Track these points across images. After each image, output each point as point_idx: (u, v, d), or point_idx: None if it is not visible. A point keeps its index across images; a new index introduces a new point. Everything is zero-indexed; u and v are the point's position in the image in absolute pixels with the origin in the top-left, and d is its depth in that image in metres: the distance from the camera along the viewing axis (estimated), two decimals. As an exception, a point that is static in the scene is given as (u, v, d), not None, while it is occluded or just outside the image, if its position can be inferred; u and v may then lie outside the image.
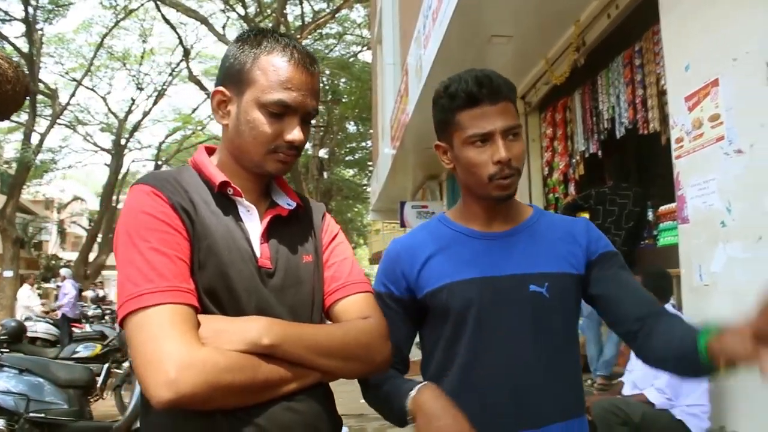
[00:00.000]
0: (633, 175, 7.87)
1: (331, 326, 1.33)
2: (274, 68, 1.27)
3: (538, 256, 1.51)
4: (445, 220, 1.63)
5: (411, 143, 10.61)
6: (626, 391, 3.79)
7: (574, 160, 6.98)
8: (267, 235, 1.32)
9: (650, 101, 5.31)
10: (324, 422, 1.29)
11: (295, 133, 1.29)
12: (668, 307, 3.81)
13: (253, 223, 1.32)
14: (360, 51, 29.43)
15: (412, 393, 1.37)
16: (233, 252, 1.24)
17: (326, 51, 27.65)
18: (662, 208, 4.97)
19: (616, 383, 3.91)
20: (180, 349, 1.07)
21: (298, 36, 23.79)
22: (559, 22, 5.74)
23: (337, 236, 1.48)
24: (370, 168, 30.92)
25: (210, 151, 1.40)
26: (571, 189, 7.07)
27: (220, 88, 1.32)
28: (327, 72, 25.82)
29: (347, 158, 31.47)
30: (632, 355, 4.06)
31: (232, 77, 1.31)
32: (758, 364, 1.00)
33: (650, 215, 6.16)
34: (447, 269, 1.52)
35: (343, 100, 26.43)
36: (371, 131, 27.51)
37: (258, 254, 1.28)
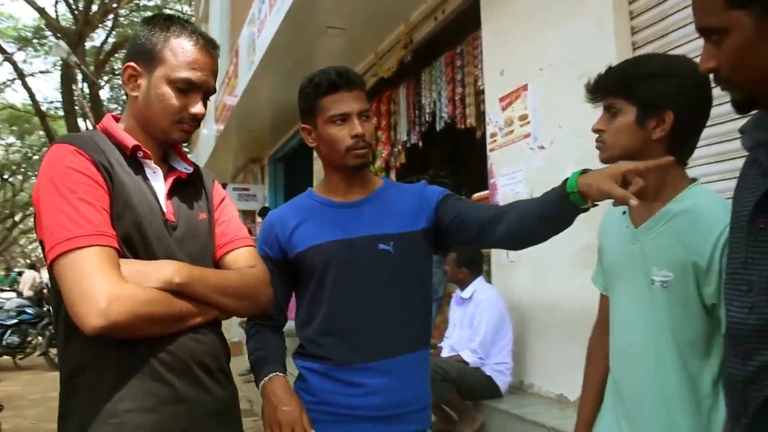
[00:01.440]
0: (450, 164, 8.58)
1: (227, 271, 1.56)
2: (182, 50, 1.47)
3: (386, 220, 1.81)
4: (311, 194, 1.91)
5: (236, 125, 10.62)
6: (444, 353, 4.29)
7: (396, 149, 7.47)
8: (170, 193, 1.52)
9: (468, 99, 5.87)
10: (221, 351, 1.53)
11: (198, 107, 1.50)
12: (480, 279, 4.36)
13: (158, 183, 1.51)
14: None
15: (265, 379, 1.68)
16: (145, 206, 1.43)
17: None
18: (475, 195, 5.52)
19: (436, 349, 4.40)
20: (109, 284, 1.25)
21: (115, 5, 22.49)
22: (390, 20, 6.18)
23: (225, 199, 1.71)
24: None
25: (115, 120, 1.57)
26: (392, 176, 7.57)
27: (131, 63, 1.49)
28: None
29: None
30: (450, 323, 4.58)
31: (144, 55, 1.48)
32: (615, 197, 1.28)
33: (464, 201, 6.80)
34: (311, 234, 1.80)
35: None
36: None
37: (165, 210, 1.48)
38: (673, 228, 1.39)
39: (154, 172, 1.51)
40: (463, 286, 4.38)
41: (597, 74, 1.54)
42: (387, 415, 1.70)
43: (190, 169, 1.59)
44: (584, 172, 1.40)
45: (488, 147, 4.72)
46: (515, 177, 4.43)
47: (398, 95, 7.33)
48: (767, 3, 0.95)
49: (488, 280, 4.59)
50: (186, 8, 27.34)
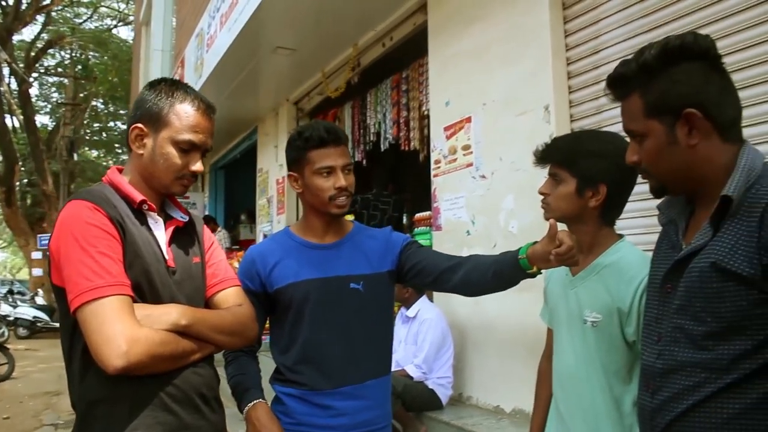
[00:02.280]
0: (393, 184, 8.87)
1: (220, 311, 1.76)
2: (186, 114, 1.67)
3: (358, 261, 2.06)
4: (289, 234, 2.13)
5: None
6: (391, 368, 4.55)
7: (340, 167, 7.68)
8: (170, 241, 1.72)
9: (412, 122, 6.17)
10: (215, 381, 1.73)
11: (198, 165, 1.71)
12: (423, 299, 4.64)
13: (160, 232, 1.70)
14: (115, 26, 27.89)
15: (249, 405, 1.88)
16: (151, 255, 1.62)
17: (77, 20, 25.74)
18: (417, 215, 5.79)
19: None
20: (129, 329, 1.44)
21: (47, 1, 21.88)
22: (339, 43, 6.43)
23: (214, 243, 1.91)
24: (118, 150, 29.31)
25: (118, 171, 1.76)
26: (336, 192, 7.78)
27: (139, 124, 1.68)
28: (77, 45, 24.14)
29: (94, 138, 29.43)
30: (395, 340, 4.82)
31: (151, 117, 1.67)
32: (556, 260, 1.54)
33: (405, 220, 7.08)
34: (291, 272, 2.02)
35: (96, 75, 24.84)
36: (124, 113, 26.21)
37: (167, 257, 1.67)
38: (602, 278, 1.69)
39: (156, 222, 1.70)
40: (407, 305, 4.64)
41: (544, 143, 1.82)
42: None
43: (186, 218, 1.79)
44: (535, 243, 1.67)
45: (432, 173, 5.00)
46: (457, 203, 4.73)
47: (343, 114, 7.56)
48: (677, 116, 1.24)
49: (430, 298, 4.86)
50: (123, 6, 26.87)
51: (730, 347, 1.15)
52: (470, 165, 4.57)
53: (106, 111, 28.66)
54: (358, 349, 1.99)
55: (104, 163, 29.48)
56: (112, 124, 29.35)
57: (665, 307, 1.29)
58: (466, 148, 4.63)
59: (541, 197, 1.80)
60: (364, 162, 7.17)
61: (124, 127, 27.52)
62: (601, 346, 1.66)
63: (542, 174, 3.65)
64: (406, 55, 6.03)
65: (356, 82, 6.81)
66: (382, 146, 6.77)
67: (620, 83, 1.33)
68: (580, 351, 1.70)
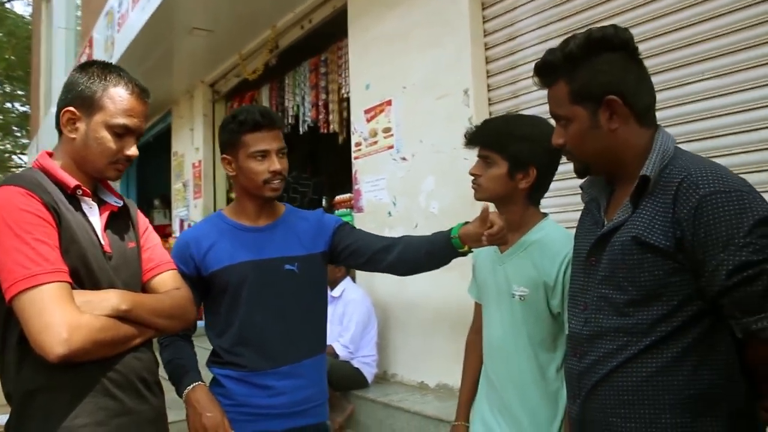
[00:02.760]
0: (313, 166, 8.86)
1: (159, 295, 1.75)
2: (120, 98, 1.64)
3: (292, 243, 2.09)
4: (222, 217, 2.13)
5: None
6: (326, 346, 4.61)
7: (258, 149, 7.60)
8: (105, 226, 1.69)
9: (331, 105, 6.18)
10: (155, 365, 1.73)
11: (132, 150, 1.69)
12: (348, 279, 4.70)
13: (95, 217, 1.67)
14: (8, 0, 26.32)
15: (189, 388, 1.88)
16: (87, 241, 1.59)
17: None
18: (337, 197, 5.83)
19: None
20: (69, 316, 1.42)
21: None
22: (257, 24, 6.34)
23: (148, 228, 1.89)
24: (17, 133, 27.79)
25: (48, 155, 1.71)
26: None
27: (71, 108, 1.63)
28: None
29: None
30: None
31: (84, 101, 1.63)
32: (488, 241, 1.66)
33: (324, 203, 7.11)
34: (226, 255, 2.03)
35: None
36: (23, 93, 24.85)
37: (102, 242, 1.65)
38: (529, 255, 1.80)
39: (91, 208, 1.67)
40: (333, 285, 4.69)
41: (475, 126, 1.90)
42: (292, 412, 1.99)
43: (120, 203, 1.76)
44: (466, 223, 1.76)
45: (353, 155, 5.05)
46: (378, 184, 4.81)
47: (261, 96, 7.46)
48: (599, 102, 1.35)
49: (354, 279, 4.93)
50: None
51: (648, 313, 1.27)
52: (391, 147, 4.65)
53: (2, 91, 27.03)
54: (294, 329, 2.03)
55: (1, 147, 27.86)
56: (9, 105, 27.71)
57: (590, 278, 1.40)
58: (387, 130, 4.70)
59: (472, 178, 1.89)
60: (283, 145, 7.10)
61: (23, 108, 26.12)
62: (528, 319, 1.77)
63: (462, 156, 3.83)
64: (325, 38, 6.01)
65: (274, 65, 6.74)
66: (300, 129, 6.75)
67: (547, 71, 1.42)
68: (509, 323, 1.81)
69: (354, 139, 5.07)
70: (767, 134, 2.65)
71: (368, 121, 4.91)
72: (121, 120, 1.63)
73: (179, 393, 1.92)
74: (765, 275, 1.15)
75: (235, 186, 2.12)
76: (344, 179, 5.37)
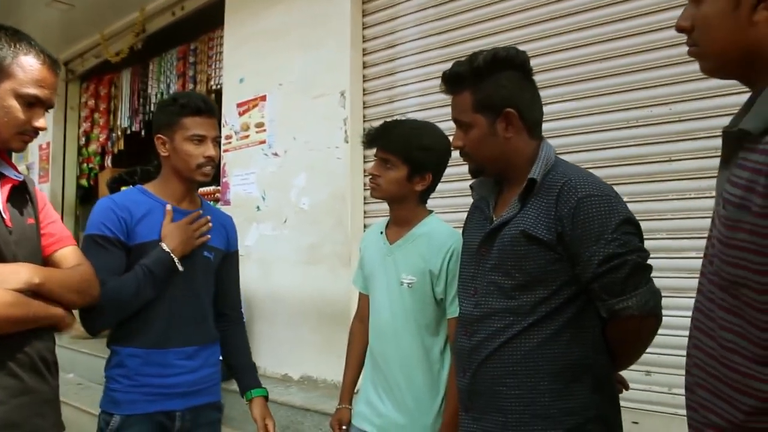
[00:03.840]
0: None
1: (67, 270, 1.71)
2: (31, 67, 1.59)
3: (211, 233, 2.13)
4: (146, 192, 2.09)
5: None
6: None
7: (114, 135, 7.32)
8: (6, 200, 1.64)
9: (200, 96, 6.07)
10: (54, 345, 1.69)
11: (41, 121, 1.64)
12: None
13: None
14: None
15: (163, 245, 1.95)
16: None
17: None
18: (201, 189, 5.72)
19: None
20: None
21: None
22: (124, 5, 6.11)
23: (47, 204, 1.84)
24: None
25: None
26: (108, 162, 7.40)
27: None
28: None
29: None
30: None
31: None
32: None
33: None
34: (153, 229, 2.02)
35: None
36: None
37: (4, 216, 1.59)
38: (416, 246, 1.97)
39: None
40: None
41: (373, 127, 2.04)
42: (191, 391, 2.05)
43: (21, 177, 1.71)
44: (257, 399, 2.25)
45: (222, 148, 5.01)
46: (248, 179, 4.83)
47: (121, 80, 7.18)
48: (498, 113, 1.53)
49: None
50: None
51: (532, 295, 1.47)
52: (263, 142, 4.69)
53: None
54: (199, 313, 2.10)
55: None
56: None
57: (480, 267, 1.59)
58: (260, 125, 4.74)
59: (369, 177, 2.03)
60: (143, 133, 6.87)
61: None
62: (415, 305, 1.94)
63: (335, 155, 3.99)
64: (197, 27, 5.91)
65: (139, 49, 6.52)
66: (163, 117, 6.54)
67: (454, 81, 1.59)
68: (398, 309, 1.96)
69: (224, 132, 5.03)
70: (615, 153, 3.03)
71: (241, 114, 4.92)
72: (32, 90, 1.58)
73: (161, 254, 1.97)
74: (627, 265, 1.40)
75: (164, 167, 2.12)
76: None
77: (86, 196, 7.82)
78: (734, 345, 0.94)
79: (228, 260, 2.24)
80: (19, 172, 1.74)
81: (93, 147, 7.58)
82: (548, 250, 1.46)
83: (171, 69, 6.47)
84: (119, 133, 7.21)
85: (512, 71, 1.54)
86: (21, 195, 1.72)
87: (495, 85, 1.53)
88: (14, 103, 1.58)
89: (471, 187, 1.76)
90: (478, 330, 1.55)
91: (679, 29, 1.11)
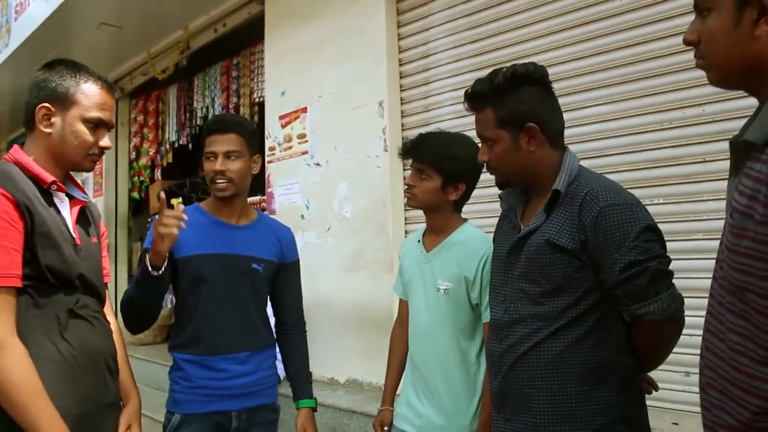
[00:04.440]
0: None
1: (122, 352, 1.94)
2: (93, 93, 1.76)
3: (260, 246, 2.27)
4: (200, 210, 2.27)
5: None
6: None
7: (163, 149, 7.58)
8: (75, 221, 1.79)
9: (243, 109, 6.24)
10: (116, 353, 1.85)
11: (106, 141, 1.80)
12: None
13: (66, 211, 1.76)
14: None
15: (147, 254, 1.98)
16: (61, 236, 1.68)
17: None
18: (250, 199, 5.91)
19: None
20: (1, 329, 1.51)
21: None
22: (169, 24, 6.33)
23: (105, 233, 2.01)
24: None
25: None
26: (158, 174, 7.65)
27: (46, 104, 1.72)
28: None
29: None
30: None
31: (58, 97, 1.73)
32: None
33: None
34: (196, 243, 2.16)
35: None
36: None
37: (74, 236, 1.75)
38: (452, 253, 2.06)
39: (62, 202, 1.77)
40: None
41: (409, 140, 2.14)
42: (246, 393, 2.21)
43: (87, 198, 1.88)
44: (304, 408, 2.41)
45: (267, 159, 5.17)
46: (292, 188, 4.97)
47: (168, 96, 7.42)
48: (520, 128, 1.61)
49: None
50: None
51: (558, 302, 1.55)
52: (305, 153, 4.82)
53: None
54: (254, 323, 2.25)
55: None
56: None
57: (509, 274, 1.67)
58: (302, 136, 4.87)
59: (406, 187, 2.12)
60: (190, 146, 7.10)
61: None
62: (452, 310, 2.03)
63: (375, 164, 4.06)
64: (239, 42, 6.09)
65: (183, 65, 6.74)
66: (210, 131, 6.72)
67: (477, 98, 1.68)
68: (435, 313, 2.05)
69: (268, 144, 5.18)
70: (650, 155, 3.06)
71: (283, 126, 5.06)
72: (95, 113, 1.76)
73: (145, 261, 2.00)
74: (648, 272, 1.46)
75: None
76: (255, 182, 5.45)
77: (138, 208, 8.10)
78: (742, 347, 0.99)
79: (283, 271, 2.35)
80: (86, 194, 1.89)
81: (143, 161, 7.84)
82: (573, 258, 1.53)
83: (215, 83, 6.67)
84: (167, 146, 7.44)
85: (531, 86, 1.62)
86: (87, 215, 1.88)
87: (516, 101, 1.61)
88: (82, 128, 1.75)
89: (500, 197, 1.84)
90: (507, 335, 1.63)
91: (687, 42, 1.15)
